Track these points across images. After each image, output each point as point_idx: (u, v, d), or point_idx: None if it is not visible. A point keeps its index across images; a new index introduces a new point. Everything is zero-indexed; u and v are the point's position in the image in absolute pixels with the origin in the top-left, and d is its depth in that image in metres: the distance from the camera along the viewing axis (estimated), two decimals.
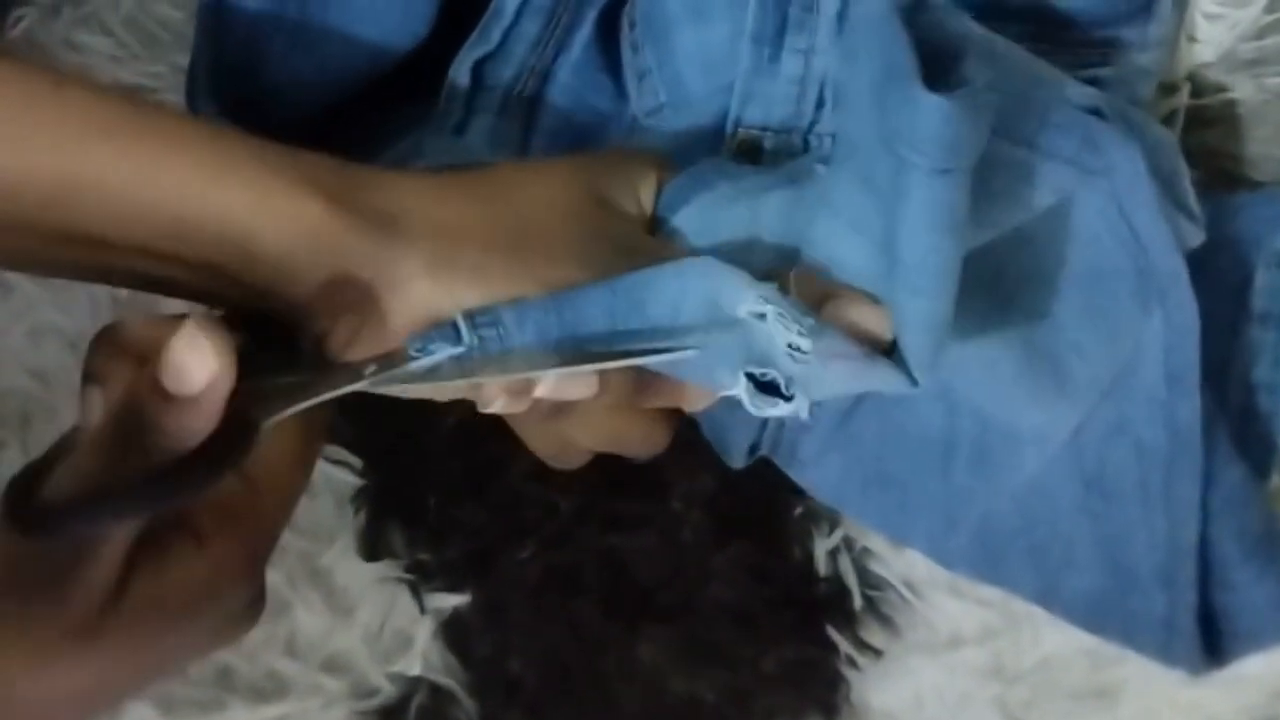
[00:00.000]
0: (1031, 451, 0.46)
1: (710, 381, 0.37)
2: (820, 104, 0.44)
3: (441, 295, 0.35)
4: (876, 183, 0.37)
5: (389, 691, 0.51)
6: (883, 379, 0.38)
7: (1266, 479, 0.49)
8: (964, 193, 0.35)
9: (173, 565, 0.31)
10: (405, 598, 0.51)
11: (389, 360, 0.34)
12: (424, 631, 0.51)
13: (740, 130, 0.45)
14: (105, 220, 0.32)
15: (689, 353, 0.36)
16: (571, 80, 0.49)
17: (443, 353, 0.34)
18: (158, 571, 0.31)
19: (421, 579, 0.51)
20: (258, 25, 0.47)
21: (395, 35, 0.48)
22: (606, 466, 0.51)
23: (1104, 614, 0.47)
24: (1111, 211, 0.42)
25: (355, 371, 0.34)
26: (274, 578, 0.51)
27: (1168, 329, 0.43)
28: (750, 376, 0.36)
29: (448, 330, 0.34)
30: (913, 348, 0.37)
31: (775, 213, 0.40)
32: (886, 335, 0.38)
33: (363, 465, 0.52)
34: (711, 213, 0.39)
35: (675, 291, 0.36)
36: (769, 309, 0.35)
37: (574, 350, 0.35)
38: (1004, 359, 0.43)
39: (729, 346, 0.36)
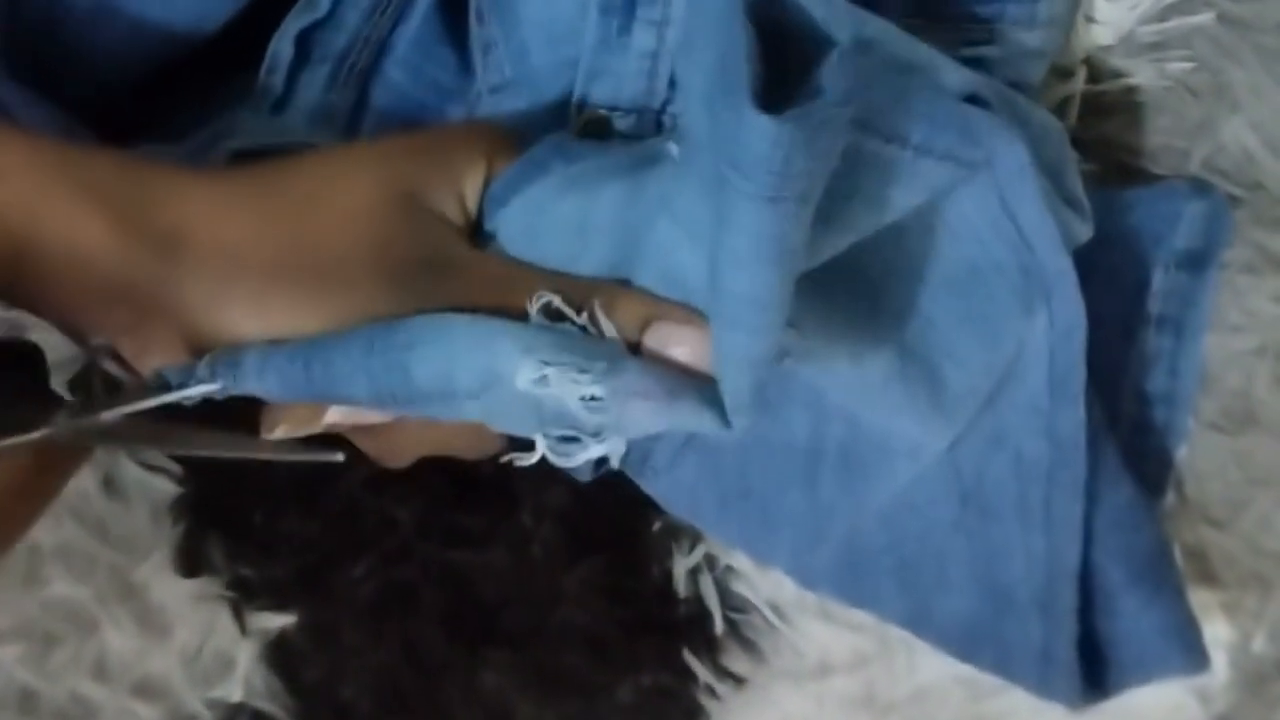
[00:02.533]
0: (904, 464, 0.43)
1: (506, 431, 0.34)
2: (674, 82, 0.40)
3: (220, 325, 0.33)
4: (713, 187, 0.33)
5: (208, 718, 0.47)
6: (691, 420, 0.33)
7: (1160, 497, 0.46)
8: (795, 222, 0.31)
9: None
10: (226, 617, 0.48)
11: (143, 387, 0.32)
12: (246, 654, 0.47)
13: (586, 110, 0.41)
14: None
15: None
16: (410, 53, 0.45)
17: (188, 389, 0.32)
18: None
19: (244, 597, 0.48)
20: None
21: (215, 1, 0.44)
22: (450, 476, 0.47)
23: (978, 641, 0.44)
24: (993, 205, 0.38)
25: (43, 420, 0.32)
26: (82, 594, 0.47)
27: (1052, 331, 0.40)
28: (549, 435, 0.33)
29: (188, 369, 0.32)
30: (730, 386, 0.33)
31: (610, 210, 0.35)
32: (707, 369, 0.34)
33: (181, 472, 0.48)
34: (538, 210, 0.35)
35: (443, 359, 0.32)
36: (549, 371, 0.31)
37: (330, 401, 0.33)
38: (875, 362, 0.39)
39: (517, 410, 0.32)
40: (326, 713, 0.47)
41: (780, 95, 0.30)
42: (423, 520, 0.47)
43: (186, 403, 0.32)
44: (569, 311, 0.33)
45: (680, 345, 0.33)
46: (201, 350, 0.33)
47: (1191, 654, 0.43)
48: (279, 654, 0.47)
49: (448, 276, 0.34)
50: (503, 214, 0.35)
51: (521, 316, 0.33)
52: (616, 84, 0.41)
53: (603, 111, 0.41)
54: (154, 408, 0.32)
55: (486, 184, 0.36)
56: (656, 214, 0.34)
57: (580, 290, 0.34)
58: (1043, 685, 0.42)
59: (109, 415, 0.32)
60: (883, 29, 0.37)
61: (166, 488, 0.47)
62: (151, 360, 0.33)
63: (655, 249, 0.35)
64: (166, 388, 0.32)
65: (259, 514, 0.47)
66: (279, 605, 0.47)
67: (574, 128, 0.41)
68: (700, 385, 0.33)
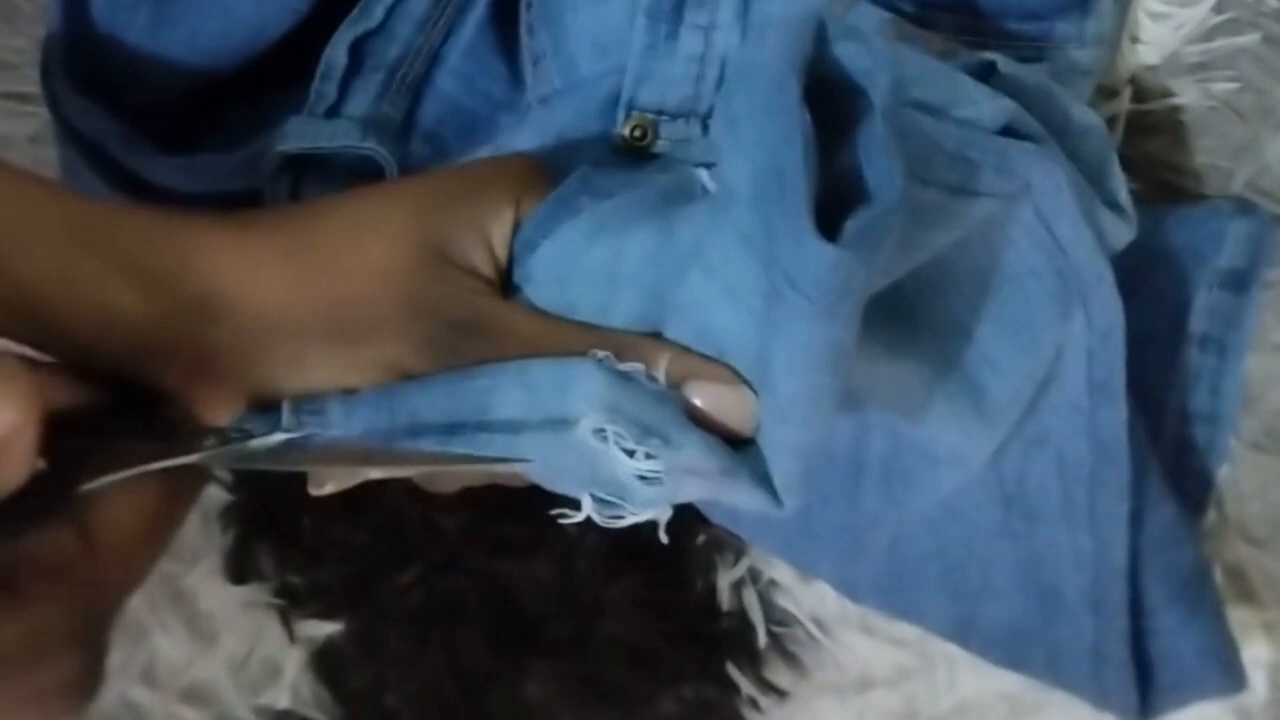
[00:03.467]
0: (949, 471, 0.43)
1: (555, 487, 0.34)
2: (721, 86, 0.40)
3: (263, 382, 0.33)
4: (758, 253, 0.33)
5: None
6: (743, 498, 0.34)
7: (1201, 516, 0.46)
8: (849, 328, 0.31)
9: None
10: (274, 624, 0.48)
11: (224, 437, 0.33)
12: (294, 661, 0.48)
13: (634, 114, 0.41)
14: None
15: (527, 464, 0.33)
16: (462, 64, 0.45)
17: (273, 436, 0.32)
18: None
19: (292, 604, 0.48)
20: None
21: (273, 11, 0.44)
22: (496, 487, 0.47)
23: (1027, 645, 0.44)
24: (1029, 217, 0.38)
25: (192, 445, 0.32)
26: (132, 601, 0.47)
27: (1090, 333, 0.40)
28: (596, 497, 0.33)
29: (272, 415, 0.33)
30: (779, 470, 0.33)
31: (641, 256, 0.35)
32: (747, 429, 0.34)
33: (231, 479, 0.48)
34: (567, 257, 0.35)
35: (522, 400, 0.32)
36: (613, 428, 0.32)
37: (408, 438, 0.33)
38: (916, 378, 0.40)
39: (573, 463, 0.33)
40: None
41: (820, 151, 0.31)
42: (469, 530, 0.47)
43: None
44: (623, 368, 0.33)
45: (718, 406, 0.33)
46: (252, 401, 0.33)
47: (1230, 673, 0.43)
48: (326, 661, 0.48)
49: (478, 333, 0.34)
50: (532, 260, 0.35)
51: None
52: (663, 88, 0.41)
53: (650, 115, 0.41)
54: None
55: (516, 227, 0.35)
56: (689, 265, 0.34)
57: (616, 345, 0.33)
58: (1097, 686, 0.42)
59: (257, 444, 0.32)
60: (920, 67, 0.37)
61: (217, 496, 0.48)
62: (211, 415, 0.33)
63: (690, 303, 0.34)
64: (248, 436, 0.32)
65: (308, 522, 0.48)
66: (326, 613, 0.48)
67: (620, 132, 0.41)
68: (751, 461, 0.33)
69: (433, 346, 0.33)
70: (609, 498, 0.33)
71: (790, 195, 0.30)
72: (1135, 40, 0.48)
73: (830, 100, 0.32)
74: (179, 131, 0.45)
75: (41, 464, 0.30)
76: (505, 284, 0.35)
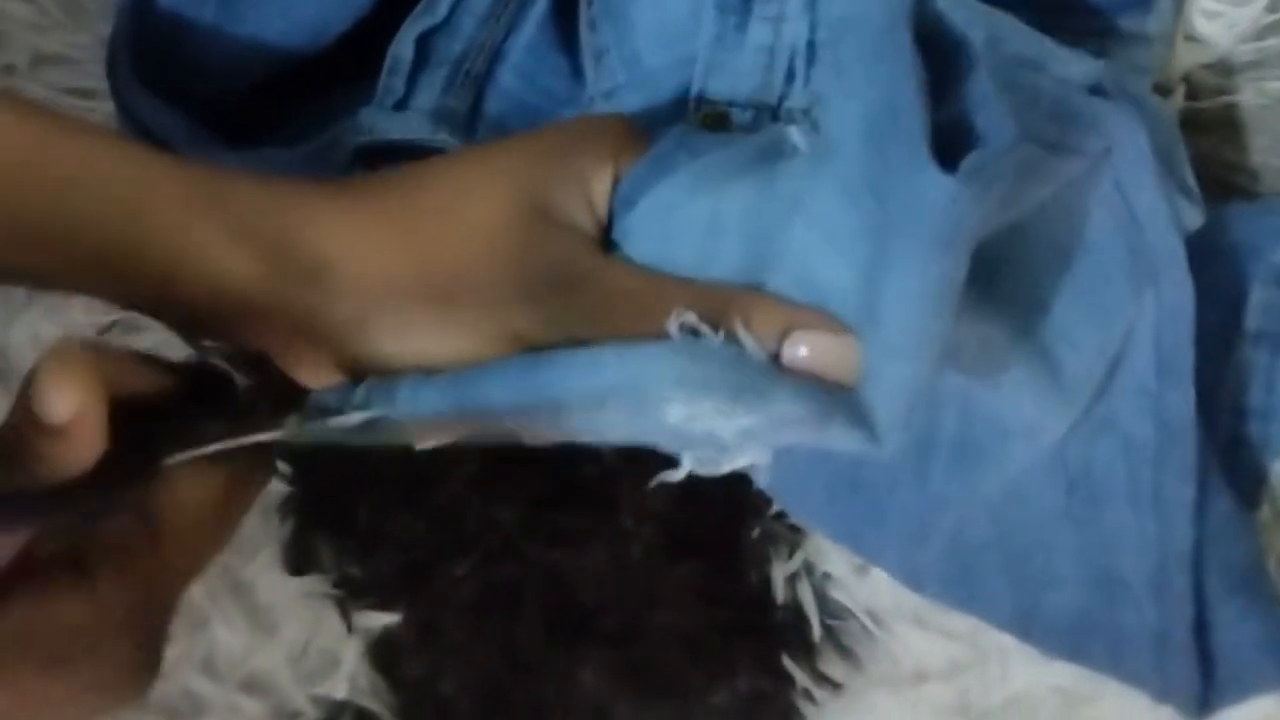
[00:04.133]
0: (1021, 445, 0.42)
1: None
2: (791, 76, 0.41)
3: (366, 347, 0.34)
4: (861, 200, 0.33)
5: (312, 715, 0.48)
6: (842, 440, 0.33)
7: (1255, 510, 0.47)
8: (960, 266, 0.32)
9: (51, 602, 0.29)
10: (332, 615, 0.48)
11: (306, 414, 0.33)
12: (351, 651, 0.48)
13: (704, 105, 0.41)
14: (25, 241, 0.32)
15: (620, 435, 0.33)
16: (524, 59, 0.46)
17: (351, 417, 0.33)
18: (34, 605, 0.29)
19: (350, 595, 0.48)
20: None
21: (336, 8, 0.45)
22: (552, 477, 0.48)
23: (1088, 634, 0.43)
24: (1109, 189, 0.39)
25: (273, 422, 0.33)
26: (192, 591, 0.47)
27: (1159, 310, 0.40)
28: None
29: (348, 392, 0.33)
30: (883, 409, 0.33)
31: (740, 209, 0.35)
32: (850, 377, 0.33)
33: (290, 471, 0.48)
34: (668, 211, 0.35)
35: (595, 393, 0.32)
36: (701, 408, 0.31)
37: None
38: (997, 341, 0.40)
39: (666, 437, 0.33)
40: (427, 710, 0.48)
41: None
42: (525, 520, 0.48)
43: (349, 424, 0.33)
44: (707, 330, 0.33)
45: (823, 356, 0.33)
46: (349, 368, 0.34)
47: None
48: (383, 651, 0.48)
49: (582, 290, 0.34)
50: (632, 216, 0.35)
51: (660, 333, 0.33)
52: (734, 79, 0.41)
53: (721, 107, 0.41)
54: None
55: (615, 184, 0.35)
56: (790, 215, 0.34)
57: (716, 300, 0.33)
58: (1159, 674, 0.42)
59: (340, 421, 0.33)
60: (1011, 26, 0.37)
61: (276, 487, 0.48)
62: (302, 378, 0.34)
63: (791, 253, 0.34)
64: (326, 410, 0.33)
65: (365, 513, 0.48)
66: (384, 603, 0.48)
67: (690, 123, 0.42)
68: (848, 402, 0.33)
69: (537, 304, 0.33)
70: (706, 457, 0.33)
71: (907, 128, 0.30)
72: (1189, 39, 0.48)
73: (932, 56, 0.32)
74: (243, 126, 0.46)
75: (111, 447, 0.30)
76: (606, 242, 0.35)
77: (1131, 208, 0.38)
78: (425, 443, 0.34)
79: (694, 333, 0.32)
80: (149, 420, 0.31)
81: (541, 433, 0.34)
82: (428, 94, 0.44)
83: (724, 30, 0.40)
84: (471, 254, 0.34)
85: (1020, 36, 0.37)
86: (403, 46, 0.44)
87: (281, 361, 0.33)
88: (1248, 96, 0.48)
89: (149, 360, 0.33)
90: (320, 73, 0.46)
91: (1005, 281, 0.39)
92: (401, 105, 0.44)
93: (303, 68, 0.46)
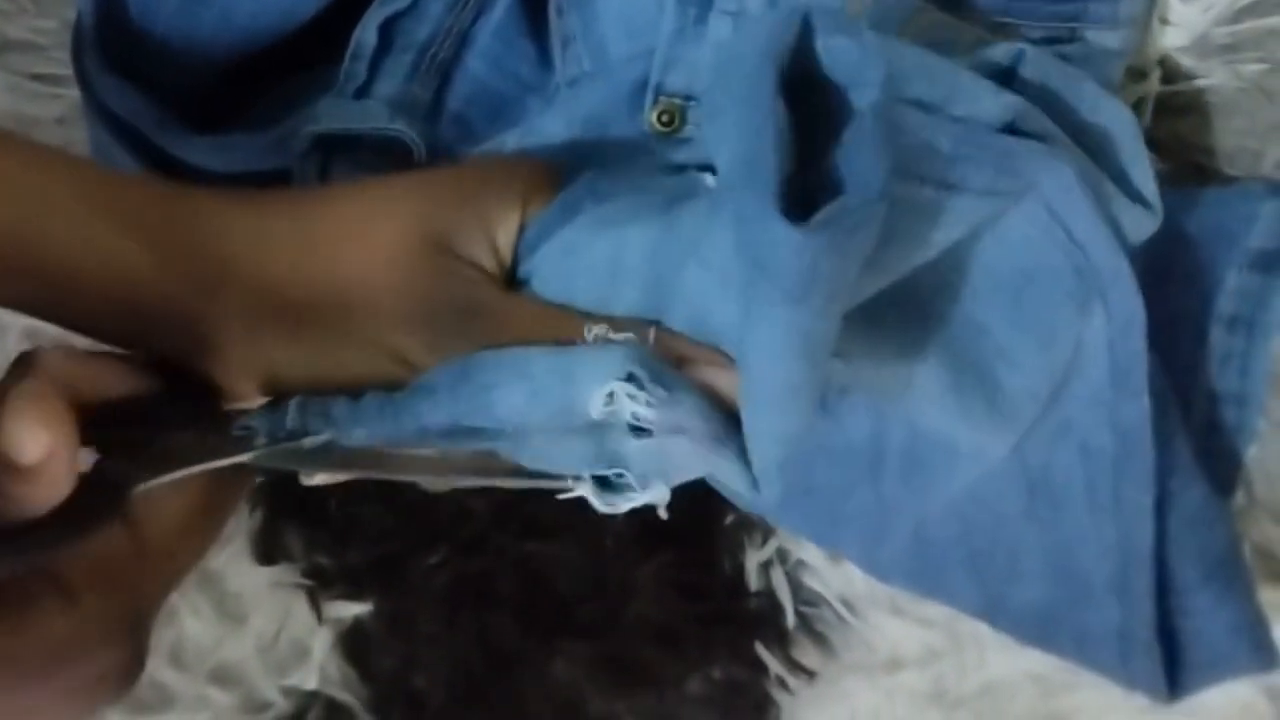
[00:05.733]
0: (968, 464, 0.43)
1: (555, 468, 0.34)
2: None
3: (257, 359, 0.33)
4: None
5: (282, 706, 0.48)
6: (728, 473, 0.34)
7: (1230, 496, 0.46)
8: (823, 317, 0.31)
9: (34, 619, 0.29)
10: (302, 605, 0.48)
11: (273, 436, 0.33)
12: (321, 642, 0.48)
13: (661, 99, 0.41)
14: None
15: (535, 456, 0.33)
16: (492, 45, 0.45)
17: (320, 436, 0.33)
18: (16, 624, 0.29)
19: (320, 585, 0.48)
20: None
21: None
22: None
23: (1054, 627, 0.44)
24: (1041, 215, 0.38)
25: (244, 444, 0.32)
26: None
27: (1110, 326, 0.40)
28: (597, 478, 0.33)
29: (279, 414, 0.33)
30: (758, 459, 0.33)
31: (640, 252, 0.35)
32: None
33: None
34: (570, 252, 0.35)
35: (525, 394, 0.32)
36: (618, 387, 0.32)
37: (415, 443, 0.34)
38: (928, 375, 0.40)
39: (577, 444, 0.33)
40: (400, 701, 0.48)
41: (808, 153, 0.31)
42: (498, 512, 0.47)
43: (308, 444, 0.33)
44: (619, 338, 0.33)
45: (714, 384, 0.33)
46: (273, 385, 0.33)
47: (1261, 652, 0.43)
48: (354, 642, 0.48)
49: (480, 318, 0.34)
50: (536, 258, 0.35)
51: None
52: (691, 73, 0.41)
53: (677, 101, 0.41)
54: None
55: (521, 229, 0.35)
56: (687, 257, 0.34)
57: (619, 328, 0.34)
58: (1124, 668, 0.42)
59: (309, 442, 0.33)
60: (918, 62, 0.37)
61: None
62: (232, 395, 0.33)
63: (686, 294, 0.34)
64: (298, 436, 0.33)
65: (335, 503, 0.48)
66: (354, 594, 0.48)
67: (648, 117, 0.41)
68: (738, 438, 0.33)
69: (431, 330, 0.33)
70: (608, 473, 0.33)
71: (758, 181, 0.30)
72: (1164, 22, 0.48)
73: (824, 97, 0.32)
74: (210, 111, 0.45)
75: (89, 464, 0.30)
76: (510, 281, 0.35)
77: (1070, 232, 0.38)
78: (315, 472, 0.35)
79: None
80: (124, 426, 0.31)
81: (462, 464, 0.34)
82: (391, 80, 0.43)
83: (684, 24, 0.40)
84: (366, 277, 0.34)
85: (926, 75, 0.36)
86: (367, 31, 0.43)
87: (206, 378, 0.33)
88: (1223, 79, 0.48)
89: (122, 360, 0.32)
90: (291, 56, 0.46)
91: (943, 312, 0.39)
92: (363, 92, 0.43)
93: (273, 51, 0.45)
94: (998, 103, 0.37)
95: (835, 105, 0.33)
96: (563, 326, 0.34)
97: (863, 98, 0.32)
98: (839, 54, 0.33)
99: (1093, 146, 0.39)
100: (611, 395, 0.32)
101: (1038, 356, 0.40)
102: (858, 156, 0.31)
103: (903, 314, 0.39)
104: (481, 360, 0.33)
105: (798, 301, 0.30)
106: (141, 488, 0.31)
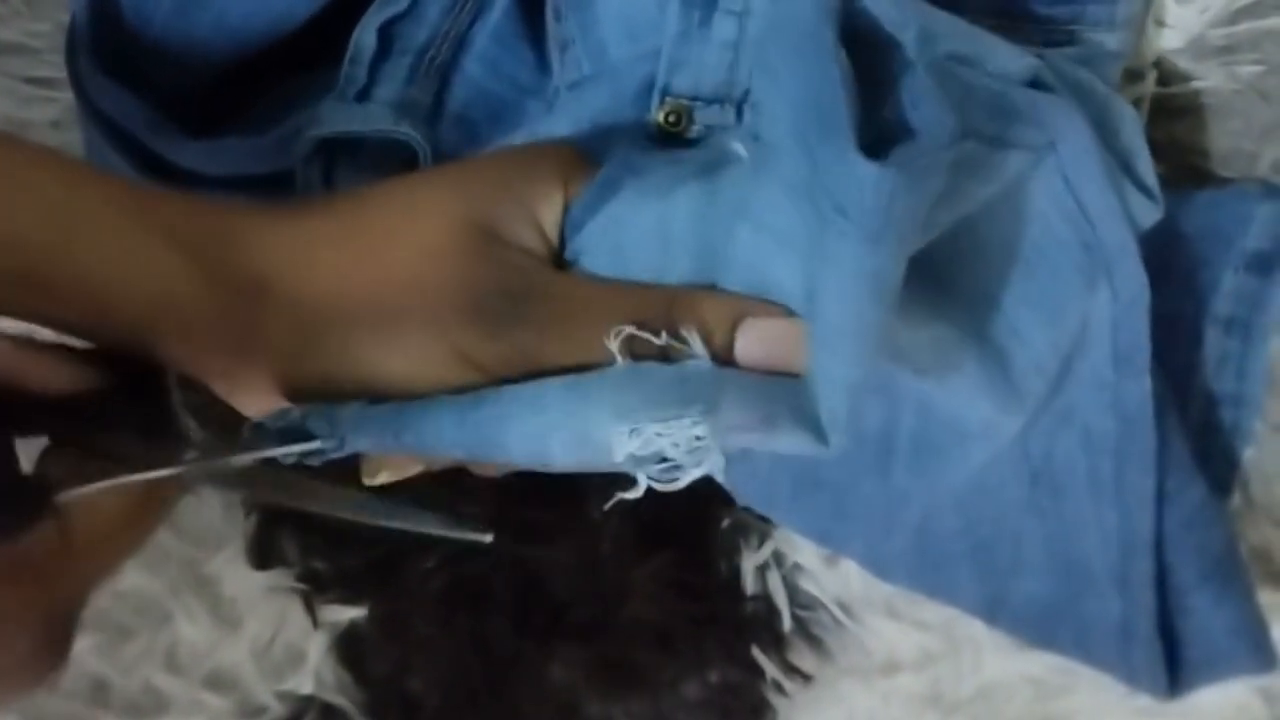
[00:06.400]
0: (978, 445, 0.43)
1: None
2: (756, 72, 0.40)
3: (309, 370, 0.33)
4: (798, 199, 0.33)
5: (277, 711, 0.48)
6: (789, 442, 0.33)
7: (1226, 497, 0.46)
8: (895, 260, 0.31)
9: None
10: (297, 609, 0.48)
11: (217, 448, 0.32)
12: (317, 646, 0.48)
13: (667, 100, 0.41)
14: None
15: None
16: (490, 48, 0.45)
17: (245, 455, 0.32)
18: None
19: (315, 589, 0.48)
20: None
21: None
22: (520, 471, 0.47)
23: (1055, 621, 0.44)
24: (1057, 184, 0.39)
25: (172, 457, 0.31)
26: (155, 586, 0.48)
27: (1115, 304, 0.40)
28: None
29: (288, 418, 0.32)
30: (826, 406, 0.33)
31: (687, 217, 0.35)
32: (799, 364, 0.34)
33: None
34: (619, 226, 0.35)
35: (538, 432, 0.32)
36: (646, 434, 0.31)
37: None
38: (950, 341, 0.40)
39: (611, 462, 0.32)
40: (395, 705, 0.47)
41: (864, 105, 0.31)
42: (492, 515, 0.47)
43: (286, 459, 0.32)
44: (648, 336, 0.33)
45: (774, 342, 0.33)
46: (290, 392, 0.33)
47: (1259, 653, 0.43)
48: (349, 646, 0.48)
49: (532, 301, 0.33)
50: (582, 236, 0.35)
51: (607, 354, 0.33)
52: (697, 74, 0.41)
53: (684, 102, 0.41)
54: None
55: (565, 210, 0.35)
56: (735, 221, 0.34)
57: (666, 300, 0.33)
58: (1125, 663, 0.42)
59: (238, 460, 0.32)
60: (947, 23, 0.37)
61: None
62: (243, 401, 0.33)
63: (739, 256, 0.34)
64: (266, 435, 0.32)
65: None
66: (350, 598, 0.47)
67: (655, 118, 0.41)
68: (794, 403, 0.33)
69: (486, 320, 0.33)
70: (658, 473, 0.32)
71: (832, 120, 0.30)
72: (1160, 24, 0.48)
73: (867, 58, 0.32)
74: (205, 114, 0.45)
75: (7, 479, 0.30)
76: (558, 263, 0.35)
77: (1081, 203, 0.38)
78: (379, 469, 0.35)
79: (633, 346, 0.33)
80: (67, 419, 0.31)
81: (486, 466, 0.34)
82: (390, 84, 0.43)
83: (688, 25, 0.40)
84: (417, 275, 0.33)
85: (956, 33, 0.37)
86: (365, 34, 0.43)
87: (220, 386, 0.33)
88: (1219, 81, 0.48)
89: (78, 355, 0.32)
90: (286, 59, 0.46)
91: (958, 280, 0.39)
92: (364, 95, 0.43)
93: (268, 54, 0.45)
94: (1021, 62, 0.38)
95: (880, 67, 0.33)
96: (611, 305, 0.33)
97: (910, 51, 0.32)
98: (882, 12, 0.33)
99: (1105, 138, 0.39)
100: (642, 439, 0.31)
101: (1046, 332, 0.40)
102: (922, 103, 0.32)
103: (924, 280, 0.38)
104: (498, 393, 0.32)
105: (875, 240, 0.30)
106: (72, 494, 0.30)
